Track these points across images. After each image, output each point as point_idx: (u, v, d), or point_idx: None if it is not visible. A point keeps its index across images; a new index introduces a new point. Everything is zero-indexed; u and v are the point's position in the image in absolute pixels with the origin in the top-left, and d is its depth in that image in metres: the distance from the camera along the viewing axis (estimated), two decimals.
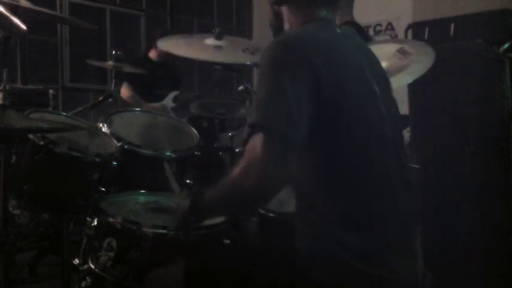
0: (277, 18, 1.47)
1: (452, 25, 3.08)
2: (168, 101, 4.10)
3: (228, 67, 3.18)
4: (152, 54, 4.30)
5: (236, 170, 1.17)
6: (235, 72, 3.23)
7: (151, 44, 4.38)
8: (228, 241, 1.58)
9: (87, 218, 1.77)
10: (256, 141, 1.15)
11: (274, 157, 1.14)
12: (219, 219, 1.65)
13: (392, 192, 1.27)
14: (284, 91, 1.17)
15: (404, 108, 2.60)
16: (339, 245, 1.19)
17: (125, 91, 4.01)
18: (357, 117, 1.23)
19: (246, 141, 1.19)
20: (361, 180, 1.22)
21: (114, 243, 1.57)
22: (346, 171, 1.22)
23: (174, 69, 4.45)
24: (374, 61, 1.41)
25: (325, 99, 1.18)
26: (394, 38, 5.01)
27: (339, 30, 1.38)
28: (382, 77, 1.39)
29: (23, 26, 1.67)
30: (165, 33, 4.37)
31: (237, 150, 3.05)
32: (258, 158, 1.14)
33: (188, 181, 2.28)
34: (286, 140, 1.15)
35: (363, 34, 1.90)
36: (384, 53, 2.10)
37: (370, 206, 1.22)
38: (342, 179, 1.22)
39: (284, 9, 1.43)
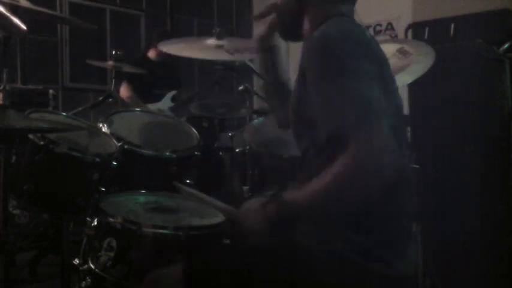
0: (296, 19, 1.41)
1: (452, 25, 3.08)
2: (167, 101, 4.10)
3: (228, 67, 3.19)
4: (151, 54, 4.30)
5: (344, 171, 1.08)
6: (235, 72, 3.23)
7: (150, 44, 4.39)
8: (228, 241, 1.58)
9: (87, 218, 1.77)
10: (361, 139, 1.07)
11: (390, 145, 1.08)
12: (218, 219, 1.65)
13: (397, 192, 1.27)
14: (365, 77, 1.13)
15: (404, 108, 2.60)
16: (341, 244, 1.20)
17: (124, 91, 4.02)
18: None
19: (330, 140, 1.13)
20: None
21: (114, 243, 1.57)
22: None
23: (173, 69, 4.45)
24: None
25: None
26: (394, 38, 5.01)
27: (363, 26, 1.36)
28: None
29: (23, 26, 1.67)
30: (164, 34, 4.38)
31: (237, 150, 3.05)
32: (375, 150, 1.06)
33: (188, 181, 2.28)
34: (391, 126, 1.11)
35: None
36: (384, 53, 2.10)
37: (374, 205, 1.22)
38: None
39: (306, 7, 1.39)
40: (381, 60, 1.26)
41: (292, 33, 1.46)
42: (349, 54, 1.15)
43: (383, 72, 1.23)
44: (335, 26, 1.26)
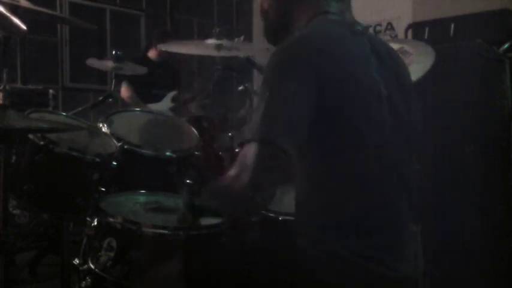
0: (283, 23, 1.38)
1: (452, 25, 3.08)
2: (167, 101, 4.11)
3: (228, 67, 3.19)
4: (151, 54, 4.31)
5: (229, 175, 1.19)
6: (235, 72, 3.23)
7: (151, 44, 4.39)
8: (227, 241, 1.58)
9: (87, 218, 1.77)
10: (249, 149, 1.15)
11: (263, 167, 1.15)
12: (219, 219, 1.65)
13: (393, 193, 1.27)
14: (283, 98, 1.16)
15: None
16: (340, 244, 1.19)
17: (124, 91, 4.02)
18: (358, 121, 1.21)
19: (241, 145, 1.20)
20: (363, 182, 1.22)
21: (114, 243, 1.57)
22: (348, 173, 1.21)
23: (173, 69, 4.45)
24: (390, 63, 1.36)
25: (327, 104, 1.17)
26: (394, 38, 5.01)
27: (349, 26, 1.32)
28: (398, 80, 1.36)
29: (23, 26, 1.67)
30: (165, 35, 4.38)
31: (237, 150, 3.05)
32: (248, 166, 1.14)
33: (188, 181, 2.27)
34: (278, 148, 1.14)
35: None
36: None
37: (371, 207, 1.22)
38: (343, 181, 1.22)
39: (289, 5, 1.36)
40: (347, 69, 1.22)
41: (278, 36, 1.41)
42: (285, 71, 1.18)
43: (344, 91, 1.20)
44: (298, 35, 1.27)
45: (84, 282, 1.59)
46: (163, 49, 3.19)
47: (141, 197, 1.87)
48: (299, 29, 1.34)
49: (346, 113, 1.20)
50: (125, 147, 2.10)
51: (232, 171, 1.18)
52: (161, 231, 1.58)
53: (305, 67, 1.18)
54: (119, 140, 2.11)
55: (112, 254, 1.56)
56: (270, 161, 1.15)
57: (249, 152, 1.15)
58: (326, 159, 1.21)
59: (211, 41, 2.65)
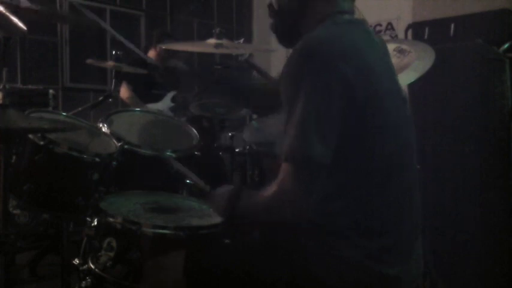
0: (297, 20, 1.34)
1: (452, 25, 3.09)
2: (167, 101, 4.10)
3: (228, 67, 3.19)
4: (151, 55, 4.30)
5: (269, 194, 1.18)
6: (235, 71, 3.23)
7: (150, 45, 4.39)
8: (228, 241, 1.58)
9: (87, 218, 1.77)
10: (286, 169, 1.15)
11: (304, 185, 1.14)
12: (218, 219, 1.65)
13: (405, 194, 1.27)
14: (311, 108, 1.13)
15: None
16: (342, 244, 1.19)
17: (124, 91, 4.02)
18: (382, 119, 1.21)
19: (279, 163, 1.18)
20: (376, 183, 1.21)
21: (114, 243, 1.57)
22: (361, 174, 1.20)
23: (172, 70, 4.45)
24: (390, 57, 1.39)
25: (354, 105, 1.16)
26: (394, 38, 5.02)
27: (362, 25, 1.31)
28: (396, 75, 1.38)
29: (23, 26, 1.67)
30: (165, 35, 4.38)
31: (237, 150, 3.05)
32: (288, 187, 1.14)
33: (188, 181, 2.27)
34: (315, 162, 1.13)
35: None
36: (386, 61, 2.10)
37: (377, 207, 1.22)
38: (355, 182, 1.21)
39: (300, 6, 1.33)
40: (370, 69, 1.22)
41: (292, 37, 1.37)
42: (308, 77, 1.15)
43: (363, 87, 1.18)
44: (314, 38, 1.23)
45: (84, 282, 1.59)
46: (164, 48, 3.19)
47: (141, 197, 1.87)
48: (313, 28, 1.29)
49: (370, 112, 1.19)
50: (125, 147, 2.09)
51: (271, 195, 1.17)
52: (161, 231, 1.58)
53: (330, 72, 1.15)
54: (118, 140, 2.11)
55: (112, 254, 1.56)
56: (311, 181, 1.14)
57: (287, 174, 1.14)
58: (337, 161, 1.19)
59: (211, 41, 2.66)
